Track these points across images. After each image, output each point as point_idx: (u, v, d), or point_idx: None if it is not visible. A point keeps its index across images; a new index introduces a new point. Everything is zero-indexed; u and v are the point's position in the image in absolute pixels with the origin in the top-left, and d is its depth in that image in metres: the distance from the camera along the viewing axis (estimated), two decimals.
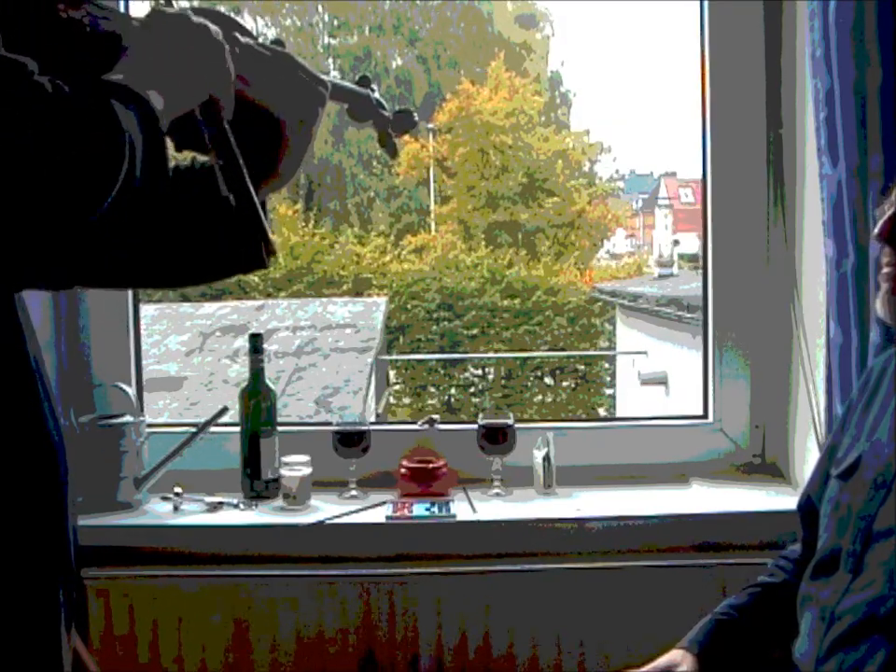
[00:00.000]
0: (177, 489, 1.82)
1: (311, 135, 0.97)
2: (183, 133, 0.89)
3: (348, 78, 1.10)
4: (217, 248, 0.95)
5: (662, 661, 1.34)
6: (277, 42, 0.98)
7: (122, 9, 1.92)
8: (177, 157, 0.94)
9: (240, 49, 0.92)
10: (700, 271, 2.17)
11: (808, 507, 1.37)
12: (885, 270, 1.21)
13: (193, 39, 0.84)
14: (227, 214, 0.87)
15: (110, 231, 0.77)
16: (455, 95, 12.98)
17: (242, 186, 0.86)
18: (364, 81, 1.09)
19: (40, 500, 0.87)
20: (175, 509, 1.82)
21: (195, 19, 0.85)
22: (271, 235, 0.90)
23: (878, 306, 1.24)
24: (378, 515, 1.78)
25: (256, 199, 0.87)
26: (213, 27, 0.86)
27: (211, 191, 0.88)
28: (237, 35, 0.93)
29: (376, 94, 1.10)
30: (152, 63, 0.82)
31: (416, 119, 1.12)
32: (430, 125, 12.71)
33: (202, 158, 0.95)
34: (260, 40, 0.97)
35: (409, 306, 10.90)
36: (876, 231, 1.21)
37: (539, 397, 11.26)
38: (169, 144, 0.84)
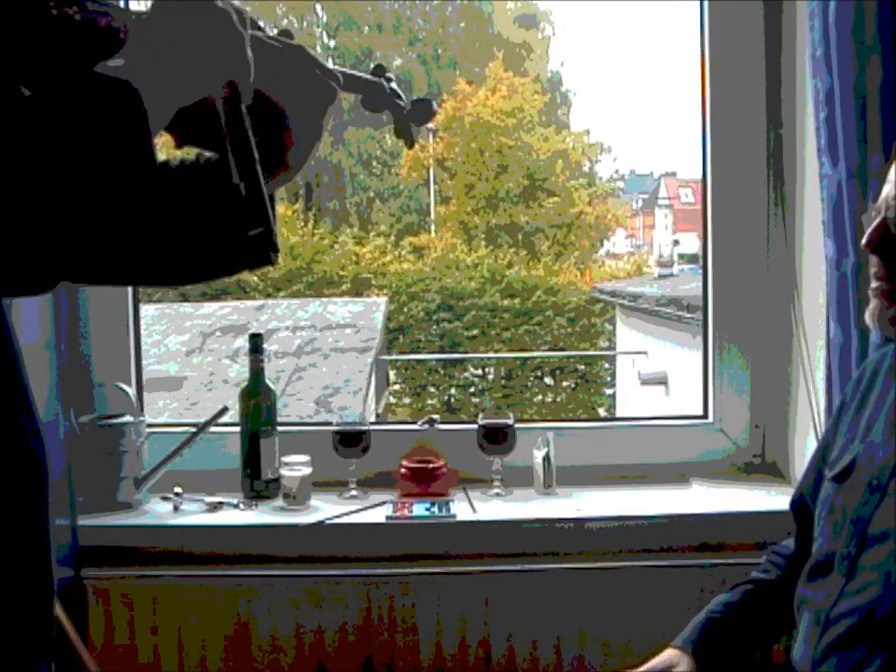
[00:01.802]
0: (177, 489, 1.82)
1: (321, 128, 0.97)
2: (188, 129, 0.88)
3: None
4: (222, 244, 0.94)
5: (657, 660, 1.33)
6: (285, 33, 0.98)
7: (122, 5, 1.91)
8: (179, 153, 0.94)
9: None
10: (700, 270, 2.17)
11: (801, 504, 1.37)
12: (874, 284, 1.20)
13: (213, 26, 0.83)
14: (235, 205, 0.86)
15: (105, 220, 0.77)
16: (451, 95, 12.99)
17: (253, 176, 0.85)
18: (379, 70, 1.09)
19: (20, 503, 0.86)
20: (175, 509, 1.82)
21: (220, 3, 0.83)
22: (276, 231, 0.90)
23: (868, 319, 1.23)
24: (378, 515, 1.78)
25: (265, 191, 0.86)
26: (236, 10, 0.84)
27: (218, 185, 0.87)
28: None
29: (392, 84, 1.09)
30: (166, 49, 0.80)
31: (434, 108, 1.12)
32: (430, 125, 12.72)
33: (207, 153, 0.95)
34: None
35: (409, 307, 10.90)
36: (864, 241, 1.20)
37: (539, 397, 11.27)
38: (159, 142, 0.83)
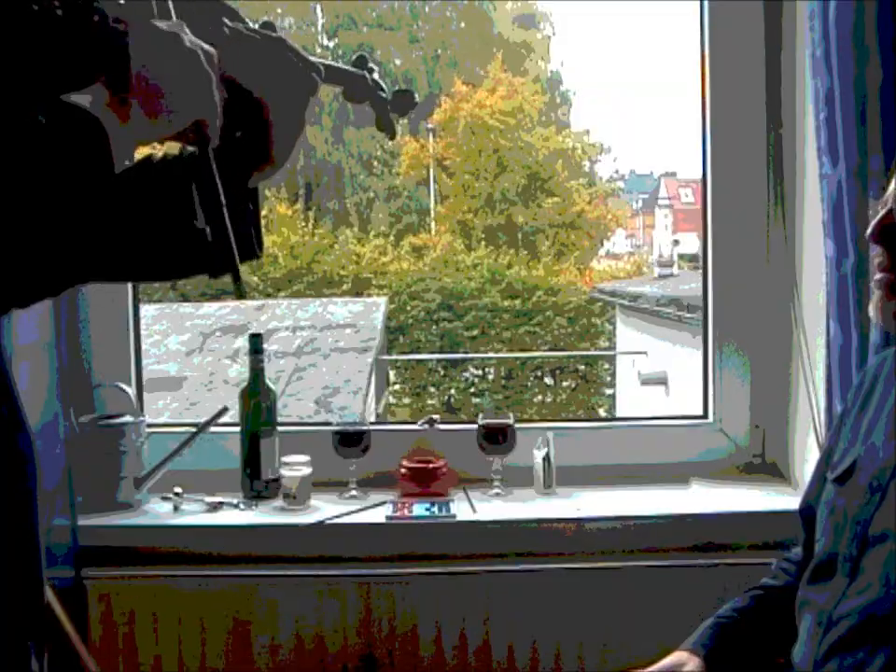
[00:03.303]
0: (177, 489, 1.82)
1: (303, 120, 0.96)
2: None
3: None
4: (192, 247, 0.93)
5: (667, 661, 1.33)
6: (268, 25, 0.97)
7: None
8: (164, 149, 0.94)
9: (229, 31, 0.91)
10: (700, 271, 2.17)
11: (809, 512, 1.37)
12: (878, 276, 1.20)
13: (180, 64, 0.81)
14: (202, 249, 0.86)
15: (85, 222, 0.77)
16: (449, 97, 12.98)
17: (220, 221, 0.84)
18: (360, 62, 1.08)
19: (7, 498, 0.86)
20: (175, 509, 1.82)
21: (187, 42, 0.81)
22: (241, 271, 0.88)
23: (872, 312, 1.23)
24: (378, 515, 1.78)
25: (232, 237, 0.85)
26: (204, 51, 0.83)
27: (194, 181, 0.87)
28: (226, 20, 0.92)
29: (374, 75, 1.08)
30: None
31: (416, 99, 1.11)
32: (430, 125, 12.71)
33: (190, 148, 0.94)
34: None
35: (409, 307, 10.90)
36: (868, 231, 1.20)
37: (539, 397, 11.26)
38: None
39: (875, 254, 1.21)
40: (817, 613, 1.20)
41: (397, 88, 1.10)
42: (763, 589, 1.40)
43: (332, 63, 1.04)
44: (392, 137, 1.12)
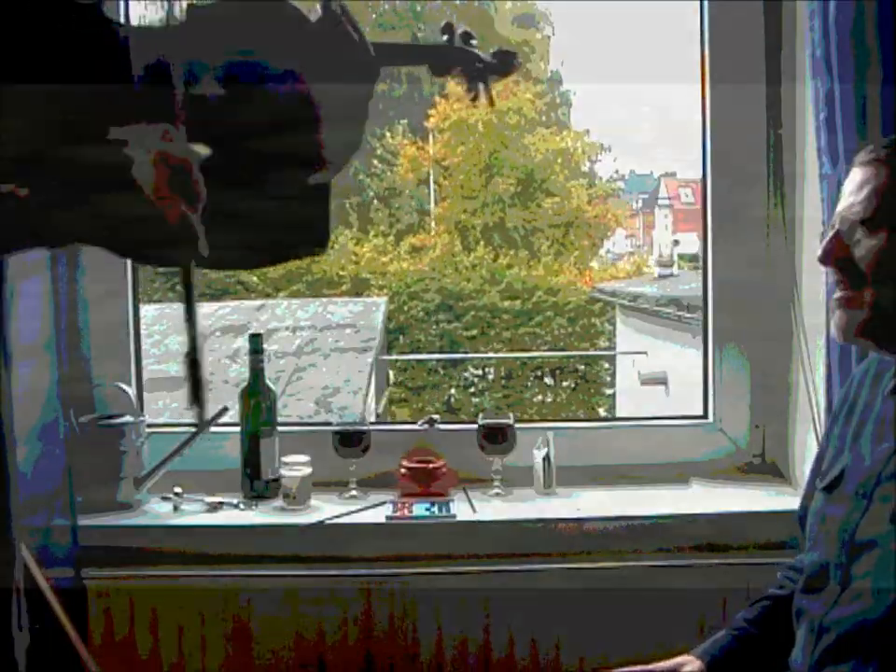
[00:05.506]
0: (177, 489, 1.82)
1: (365, 114, 0.93)
2: None
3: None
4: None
5: (670, 662, 1.34)
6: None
7: (122, 9, 1.90)
8: None
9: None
10: (700, 271, 2.17)
11: (806, 519, 1.37)
12: (836, 294, 1.21)
13: None
14: None
15: None
16: (443, 98, 12.95)
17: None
18: (447, 29, 1.02)
19: None
20: (175, 509, 1.82)
21: None
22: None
23: (833, 330, 1.23)
24: (378, 515, 1.78)
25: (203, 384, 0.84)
26: None
27: None
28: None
29: (458, 36, 1.02)
30: None
31: (518, 61, 1.04)
32: (428, 125, 12.69)
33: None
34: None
35: (408, 307, 10.90)
36: (819, 254, 1.20)
37: (539, 397, 11.25)
38: None
39: (830, 273, 1.22)
40: (809, 621, 1.21)
41: (495, 49, 1.03)
42: (770, 599, 1.40)
43: (409, 42, 1.02)
44: (492, 105, 1.05)
